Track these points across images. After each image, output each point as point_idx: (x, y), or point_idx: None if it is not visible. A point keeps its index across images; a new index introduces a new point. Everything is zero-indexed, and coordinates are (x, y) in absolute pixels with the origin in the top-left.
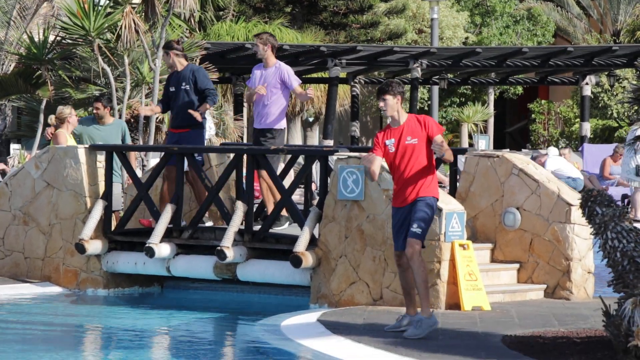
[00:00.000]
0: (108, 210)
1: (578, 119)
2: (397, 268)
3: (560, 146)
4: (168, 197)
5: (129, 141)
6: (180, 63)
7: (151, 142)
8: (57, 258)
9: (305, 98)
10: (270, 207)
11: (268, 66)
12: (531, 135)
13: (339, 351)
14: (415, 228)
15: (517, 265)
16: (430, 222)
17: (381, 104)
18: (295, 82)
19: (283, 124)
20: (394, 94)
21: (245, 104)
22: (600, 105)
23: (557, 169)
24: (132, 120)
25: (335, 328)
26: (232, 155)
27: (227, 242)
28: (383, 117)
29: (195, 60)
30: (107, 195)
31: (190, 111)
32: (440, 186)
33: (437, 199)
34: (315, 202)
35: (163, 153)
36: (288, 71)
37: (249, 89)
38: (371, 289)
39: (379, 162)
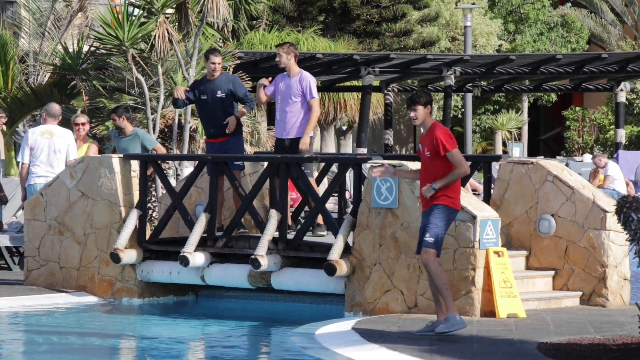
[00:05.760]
0: (142, 220)
1: (613, 126)
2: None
3: (594, 153)
4: (234, 202)
5: (150, 146)
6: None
7: (185, 151)
8: (92, 267)
9: (315, 115)
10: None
11: (292, 75)
12: (566, 143)
13: (374, 359)
14: (427, 237)
15: (552, 273)
16: (444, 229)
17: (412, 113)
18: (315, 94)
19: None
20: (424, 104)
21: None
22: (635, 111)
23: (614, 175)
24: (165, 129)
25: (370, 336)
26: (265, 163)
27: (261, 251)
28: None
29: (229, 70)
30: (142, 205)
31: (228, 119)
32: (474, 194)
33: (452, 208)
34: (349, 210)
35: (197, 162)
36: (311, 82)
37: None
38: (406, 297)
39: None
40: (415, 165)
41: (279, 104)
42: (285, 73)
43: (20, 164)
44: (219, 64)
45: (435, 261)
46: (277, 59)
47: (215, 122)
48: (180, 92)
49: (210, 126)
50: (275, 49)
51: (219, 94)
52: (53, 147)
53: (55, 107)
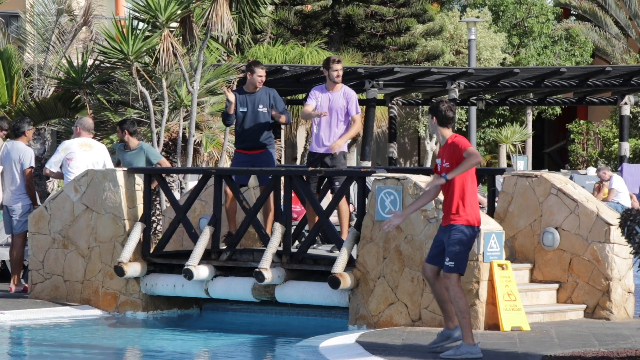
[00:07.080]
0: (147, 233)
1: (617, 139)
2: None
3: (599, 166)
4: (230, 215)
5: (155, 160)
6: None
7: (189, 165)
8: (96, 281)
9: (356, 129)
10: (344, 231)
11: (335, 89)
12: (570, 156)
13: None
14: (448, 262)
15: (556, 285)
16: (464, 251)
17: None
18: (359, 109)
19: None
20: (430, 115)
21: (283, 127)
22: (639, 125)
23: (618, 189)
24: (170, 143)
25: (374, 349)
26: (270, 176)
27: (265, 264)
28: (421, 138)
29: (233, 83)
30: (146, 218)
31: (278, 117)
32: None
33: (470, 225)
34: (353, 223)
35: (201, 175)
36: (355, 97)
37: (310, 107)
38: (410, 310)
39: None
40: (420, 181)
41: (322, 117)
42: (323, 86)
43: (46, 169)
44: (264, 76)
45: (456, 286)
46: (334, 74)
47: (254, 134)
48: (230, 96)
49: (247, 138)
50: (331, 64)
51: (261, 107)
52: (92, 159)
53: (89, 121)
